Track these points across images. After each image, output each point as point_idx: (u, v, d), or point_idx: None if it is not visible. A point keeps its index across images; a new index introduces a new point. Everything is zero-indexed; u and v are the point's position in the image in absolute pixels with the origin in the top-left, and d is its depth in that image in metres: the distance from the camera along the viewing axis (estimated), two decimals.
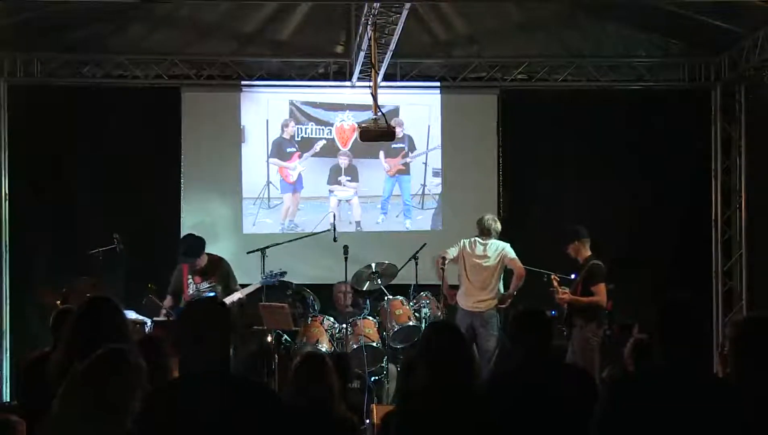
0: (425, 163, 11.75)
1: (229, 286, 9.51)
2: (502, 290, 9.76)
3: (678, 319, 3.71)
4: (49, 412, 3.72)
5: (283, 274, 9.67)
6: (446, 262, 9.74)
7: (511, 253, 9.78)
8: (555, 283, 9.60)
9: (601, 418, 3.70)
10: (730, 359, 3.88)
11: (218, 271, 9.60)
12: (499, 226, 9.89)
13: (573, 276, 9.95)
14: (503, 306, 9.70)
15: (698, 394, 3.59)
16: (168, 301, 9.62)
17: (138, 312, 9.17)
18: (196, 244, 9.61)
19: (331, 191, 11.60)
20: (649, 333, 4.03)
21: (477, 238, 9.84)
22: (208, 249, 9.84)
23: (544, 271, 9.92)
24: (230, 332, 3.72)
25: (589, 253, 9.45)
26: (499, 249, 9.78)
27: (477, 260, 9.73)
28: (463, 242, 9.85)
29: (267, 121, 11.55)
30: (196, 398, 3.54)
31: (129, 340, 4.40)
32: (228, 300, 8.84)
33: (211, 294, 9.30)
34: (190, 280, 9.55)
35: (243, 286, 9.72)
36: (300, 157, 11.56)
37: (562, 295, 9.25)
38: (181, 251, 9.64)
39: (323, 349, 9.28)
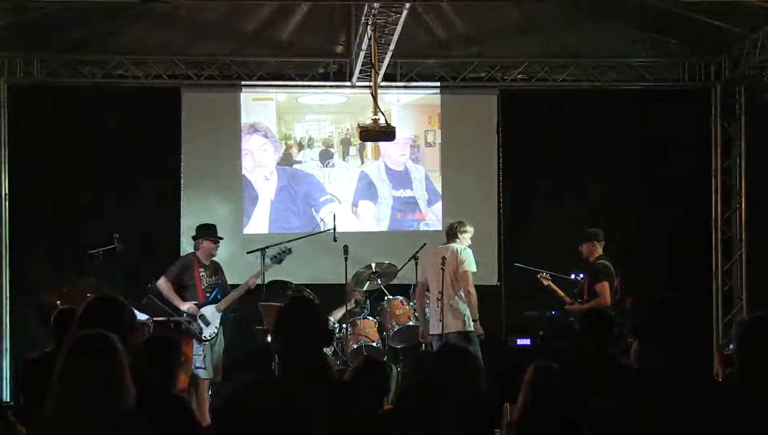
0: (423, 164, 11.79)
1: (227, 285, 9.73)
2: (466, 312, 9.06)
3: (665, 319, 3.63)
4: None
5: (289, 251, 9.80)
6: (423, 292, 9.37)
7: (467, 259, 9.04)
8: (544, 283, 9.73)
9: (591, 421, 3.69)
10: (735, 359, 3.85)
11: (220, 271, 9.76)
12: (466, 228, 9.24)
13: (572, 276, 9.98)
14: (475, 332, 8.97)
15: (685, 395, 3.56)
16: (166, 287, 9.47)
17: (138, 311, 9.18)
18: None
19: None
20: (638, 334, 3.99)
21: (438, 246, 9.36)
22: None
23: (537, 269, 9.95)
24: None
25: (599, 253, 9.51)
26: (454, 252, 9.07)
27: (433, 269, 9.12)
28: (421, 257, 9.51)
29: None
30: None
31: (137, 340, 4.37)
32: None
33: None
34: (202, 273, 9.56)
35: (233, 286, 9.79)
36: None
37: (570, 306, 9.47)
38: (211, 233, 9.67)
39: None
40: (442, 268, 9.00)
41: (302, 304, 3.97)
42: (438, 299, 9.00)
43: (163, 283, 9.55)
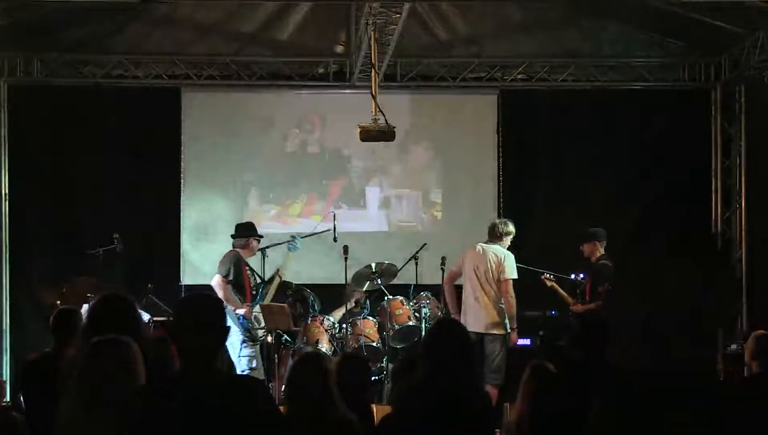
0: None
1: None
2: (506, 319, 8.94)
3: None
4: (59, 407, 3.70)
5: (293, 238, 9.69)
6: (453, 280, 9.17)
7: (508, 266, 8.97)
8: (548, 284, 9.70)
9: (595, 420, 3.70)
10: (747, 367, 3.85)
11: (254, 269, 9.68)
12: (509, 229, 9.15)
13: (572, 276, 9.97)
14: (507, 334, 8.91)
15: (685, 395, 3.55)
16: (223, 286, 9.09)
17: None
18: None
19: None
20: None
21: (480, 243, 9.19)
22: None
23: (540, 270, 9.93)
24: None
25: (601, 253, 9.49)
26: (497, 257, 9.00)
27: (473, 269, 9.03)
28: (466, 250, 9.22)
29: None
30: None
31: (145, 339, 4.36)
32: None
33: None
34: (249, 272, 9.45)
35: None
36: None
37: (574, 307, 9.43)
38: (256, 231, 9.52)
39: (323, 349, 9.29)
40: (478, 273, 8.93)
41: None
42: (476, 298, 8.95)
43: (220, 282, 9.11)
